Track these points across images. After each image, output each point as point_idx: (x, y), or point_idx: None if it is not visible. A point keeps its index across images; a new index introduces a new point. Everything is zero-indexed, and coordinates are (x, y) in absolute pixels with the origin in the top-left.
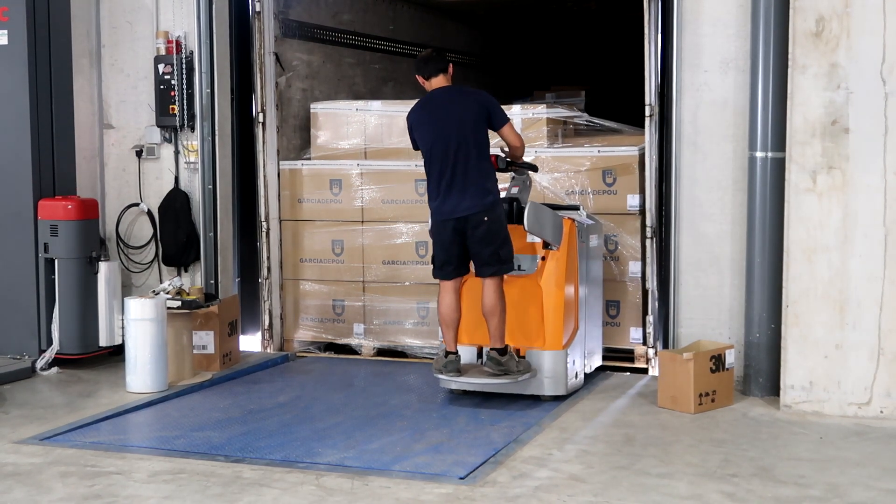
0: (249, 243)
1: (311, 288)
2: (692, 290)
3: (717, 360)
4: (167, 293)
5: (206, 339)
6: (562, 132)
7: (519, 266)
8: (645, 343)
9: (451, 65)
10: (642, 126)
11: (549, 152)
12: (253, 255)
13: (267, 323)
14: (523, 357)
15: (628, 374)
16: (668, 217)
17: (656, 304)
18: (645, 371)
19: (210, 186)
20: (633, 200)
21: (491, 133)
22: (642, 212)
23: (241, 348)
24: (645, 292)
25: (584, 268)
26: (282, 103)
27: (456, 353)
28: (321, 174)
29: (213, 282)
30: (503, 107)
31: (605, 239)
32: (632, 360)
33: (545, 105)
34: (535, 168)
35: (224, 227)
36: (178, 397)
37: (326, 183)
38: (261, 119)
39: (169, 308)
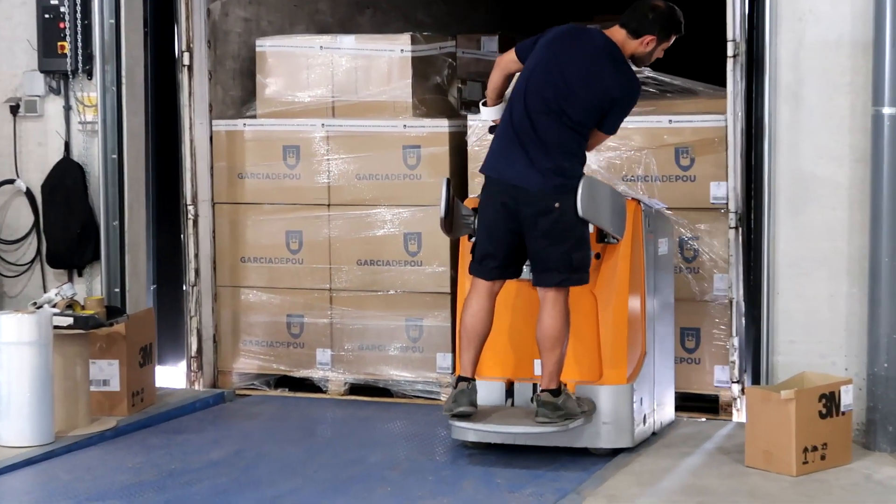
0: (170, 236)
1: (256, 298)
2: (793, 303)
3: (829, 401)
4: (54, 306)
5: (108, 372)
6: None
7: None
8: (729, 380)
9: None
10: (724, 82)
11: None
12: (175, 253)
13: (194, 348)
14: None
15: (704, 419)
16: (758, 200)
17: (743, 323)
18: (727, 418)
19: (114, 156)
20: (718, 189)
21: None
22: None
23: (159, 384)
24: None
25: (651, 272)
26: (216, 39)
27: (472, 379)
28: (271, 138)
29: (118, 290)
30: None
31: (681, 243)
32: (715, 410)
33: None
34: None
35: (134, 214)
36: (70, 453)
37: (279, 150)
38: (186, 61)
39: (56, 327)
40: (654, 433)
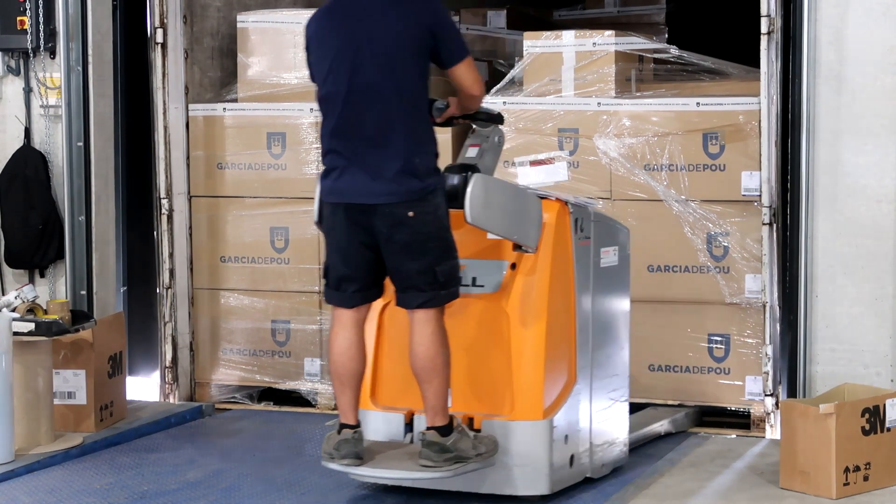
0: (142, 233)
1: (237, 302)
2: (834, 307)
3: (874, 416)
4: (13, 310)
5: (74, 383)
6: (636, 73)
7: (474, 280)
8: (762, 392)
9: None
10: (756, 62)
11: (620, 105)
12: (147, 252)
13: (169, 357)
14: (479, 431)
15: (734, 436)
16: (795, 192)
17: (778, 329)
18: (761, 434)
19: (80, 143)
20: (750, 180)
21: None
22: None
23: (130, 396)
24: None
25: (587, 287)
26: (192, 14)
27: (356, 426)
28: (254, 124)
29: (84, 292)
30: (537, 31)
31: (709, 239)
32: (747, 425)
33: (613, 32)
34: (500, 119)
35: (102, 208)
36: (31, 473)
37: (262, 138)
38: (159, 38)
39: (16, 334)
40: (587, 478)
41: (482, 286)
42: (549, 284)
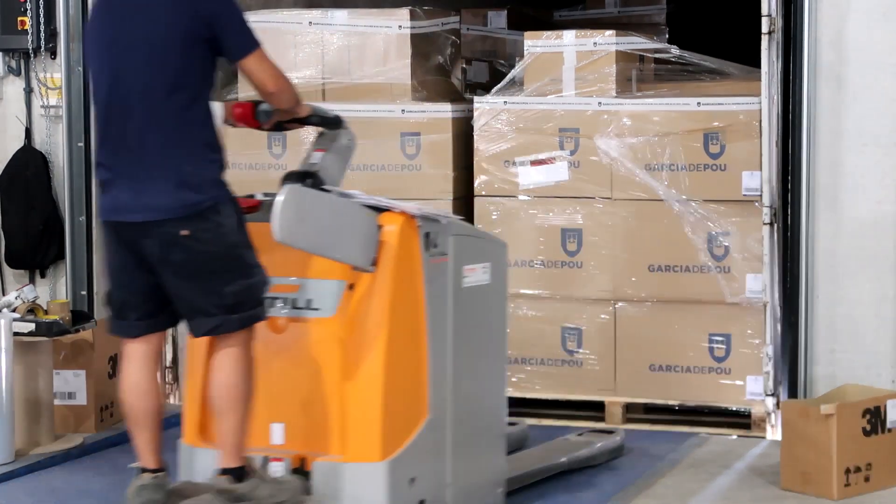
0: None
1: None
2: (834, 308)
3: (874, 417)
4: (13, 310)
5: (74, 384)
6: (637, 73)
7: (309, 303)
8: (763, 392)
9: None
10: (757, 62)
11: (621, 105)
12: None
13: (170, 357)
14: (303, 471)
15: (735, 437)
16: (796, 192)
17: (778, 329)
18: (761, 434)
19: (80, 144)
20: (751, 180)
21: None
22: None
23: None
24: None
25: (446, 309)
26: None
27: (157, 470)
28: None
29: (84, 293)
30: (537, 31)
31: (709, 238)
32: (747, 425)
33: (614, 32)
34: (336, 122)
35: None
36: (31, 474)
37: (263, 138)
38: None
39: (16, 334)
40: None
41: (318, 309)
42: (389, 307)
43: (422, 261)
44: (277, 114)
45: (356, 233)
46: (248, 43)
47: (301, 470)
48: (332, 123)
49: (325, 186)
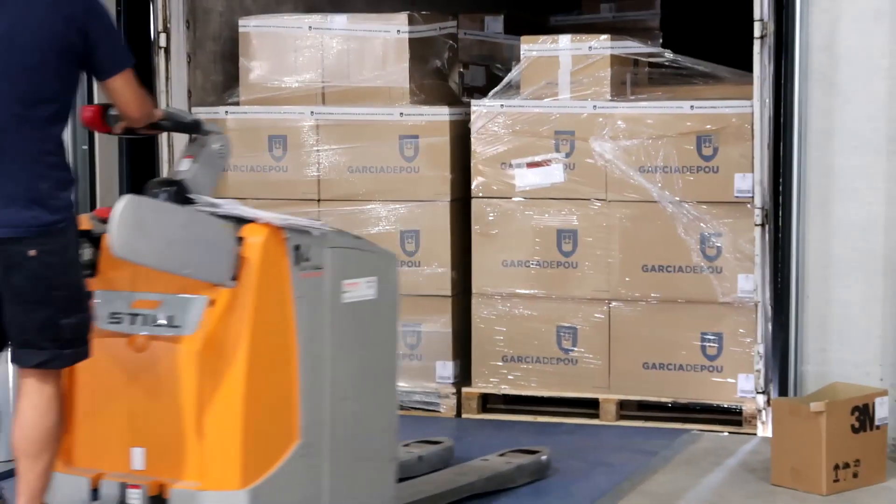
0: None
1: None
2: (824, 307)
3: (863, 414)
4: None
5: None
6: (631, 77)
7: (170, 320)
8: (754, 389)
9: None
10: (749, 65)
11: (615, 108)
12: None
13: None
14: (161, 498)
15: (726, 434)
16: (787, 194)
17: (769, 328)
18: (752, 431)
19: (85, 147)
20: (743, 182)
21: None
22: None
23: None
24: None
25: (324, 327)
26: (195, 18)
27: None
28: (256, 127)
29: None
30: (534, 36)
31: (702, 239)
32: (738, 422)
33: (609, 37)
34: (194, 127)
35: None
36: None
37: (264, 141)
38: (162, 43)
39: None
40: None
41: (179, 327)
42: (250, 324)
43: (290, 275)
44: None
45: (208, 246)
46: (120, 62)
47: (160, 498)
48: (189, 128)
49: (190, 195)
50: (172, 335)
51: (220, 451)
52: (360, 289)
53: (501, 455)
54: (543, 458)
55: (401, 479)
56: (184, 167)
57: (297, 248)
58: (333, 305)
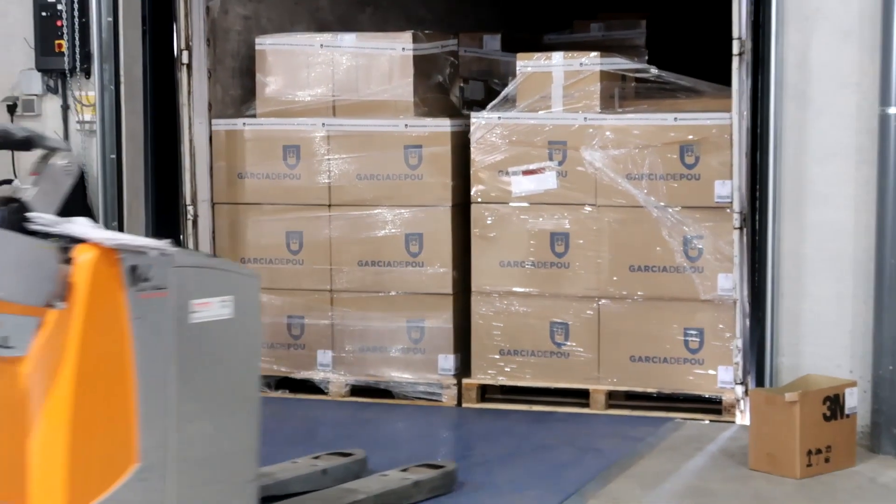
0: (169, 237)
1: None
2: (798, 304)
3: (834, 404)
4: None
5: None
6: (619, 91)
7: (5, 340)
8: (733, 381)
9: None
10: (728, 80)
11: (604, 120)
12: None
13: None
14: None
15: (707, 422)
16: (763, 199)
17: (747, 324)
18: (731, 419)
19: (113, 156)
20: (722, 188)
21: None
22: None
23: None
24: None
25: (165, 348)
26: (215, 37)
27: None
28: (271, 138)
29: None
30: (528, 53)
31: (685, 241)
32: (718, 411)
33: (598, 54)
34: (27, 144)
35: (133, 214)
36: None
37: (279, 150)
38: (185, 59)
39: None
40: None
41: (12, 347)
42: (78, 346)
43: (125, 296)
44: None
45: (24, 268)
46: None
47: None
48: (20, 145)
49: (28, 214)
50: (5, 356)
51: (47, 475)
52: (213, 308)
53: (404, 470)
54: (450, 469)
55: (287, 496)
56: (28, 184)
57: (133, 268)
58: (180, 325)
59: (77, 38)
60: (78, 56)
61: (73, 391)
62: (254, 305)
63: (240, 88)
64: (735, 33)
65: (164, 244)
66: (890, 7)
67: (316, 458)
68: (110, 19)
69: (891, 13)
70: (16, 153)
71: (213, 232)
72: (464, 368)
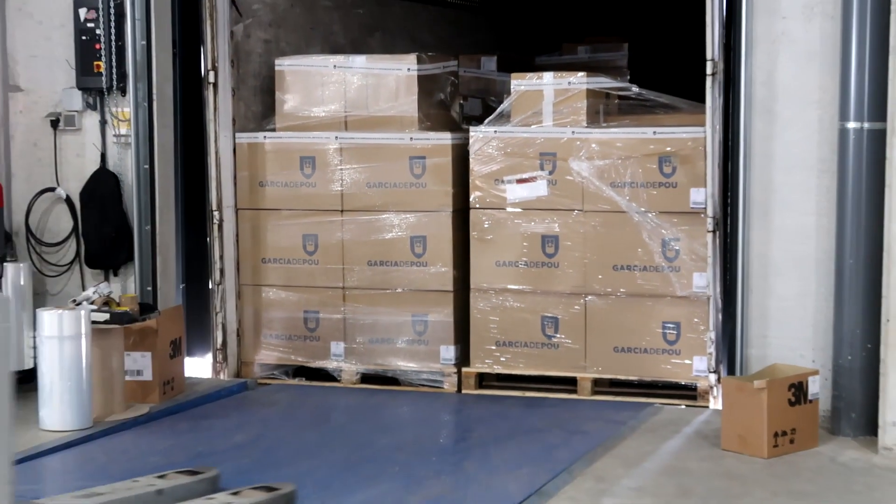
0: (197, 239)
1: (276, 296)
2: (766, 300)
3: (798, 390)
4: (91, 303)
5: (141, 363)
6: (604, 108)
7: None
8: (707, 369)
9: None
10: (703, 97)
11: (590, 134)
12: (202, 255)
13: (220, 341)
14: None
15: (683, 407)
16: (734, 206)
17: (719, 318)
18: (705, 404)
19: (146, 166)
20: (697, 195)
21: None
22: None
23: (187, 374)
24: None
25: None
26: (238, 59)
27: None
28: (289, 150)
29: (150, 288)
30: (522, 73)
31: (663, 243)
32: (694, 397)
33: (585, 74)
34: None
35: (164, 219)
36: (106, 437)
37: (296, 161)
38: (211, 79)
39: (94, 322)
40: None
41: None
42: None
43: None
44: None
45: None
46: None
47: None
48: None
49: None
50: None
51: None
52: None
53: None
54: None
55: None
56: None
57: None
58: None
59: (114, 60)
60: (114, 76)
61: None
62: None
63: (261, 105)
64: (708, 55)
65: None
66: (848, 31)
67: (160, 476)
68: (144, 42)
69: (849, 37)
70: (59, 160)
71: (237, 235)
72: (463, 358)
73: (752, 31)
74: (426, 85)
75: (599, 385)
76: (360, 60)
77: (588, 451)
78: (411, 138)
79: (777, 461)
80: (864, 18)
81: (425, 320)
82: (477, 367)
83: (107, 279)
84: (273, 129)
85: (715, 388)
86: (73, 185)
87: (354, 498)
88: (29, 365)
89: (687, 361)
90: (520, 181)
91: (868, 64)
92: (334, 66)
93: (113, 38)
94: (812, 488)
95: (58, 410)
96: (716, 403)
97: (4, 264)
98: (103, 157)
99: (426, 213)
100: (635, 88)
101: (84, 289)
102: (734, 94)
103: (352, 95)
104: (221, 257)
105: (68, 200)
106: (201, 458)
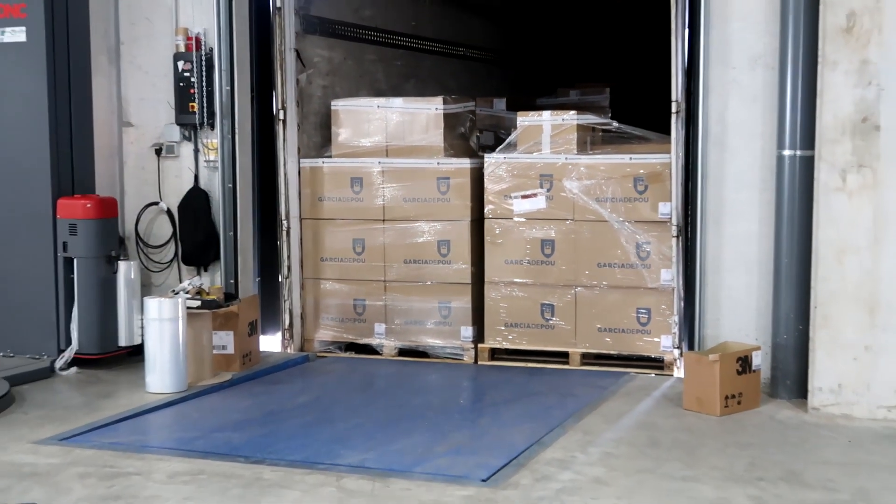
0: (269, 242)
1: (331, 287)
2: (718, 291)
3: (744, 362)
4: (187, 293)
5: (225, 340)
6: (590, 139)
7: None
8: (672, 346)
9: None
10: (669, 130)
11: (579, 159)
12: (273, 255)
13: (287, 322)
14: None
15: (653, 375)
16: (693, 216)
17: (682, 305)
18: (670, 374)
19: (230, 185)
20: (664, 208)
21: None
22: None
23: (261, 348)
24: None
25: None
26: (302, 100)
27: None
28: (342, 172)
29: (232, 281)
30: (526, 111)
31: (637, 246)
32: (661, 367)
33: (575, 112)
34: None
35: (244, 227)
36: (198, 398)
37: (347, 181)
38: (281, 116)
39: (188, 308)
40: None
41: None
42: None
43: None
44: None
45: None
46: None
47: None
48: None
49: None
50: None
51: None
52: None
53: None
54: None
55: None
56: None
57: None
58: None
59: (205, 102)
60: (205, 114)
61: None
62: None
63: (320, 137)
64: (673, 97)
65: None
66: (784, 79)
67: None
68: (228, 88)
69: (784, 84)
70: (161, 180)
71: (301, 239)
72: (479, 336)
73: (708, 79)
74: (450, 121)
75: (587, 358)
76: (398, 102)
77: (577, 410)
78: (438, 163)
79: (727, 419)
80: (797, 69)
81: (449, 306)
82: (490, 343)
83: (198, 274)
84: (329, 156)
85: (678, 361)
86: (173, 199)
87: (394, 446)
88: (138, 341)
89: (656, 339)
90: (524, 197)
91: (800, 105)
92: (378, 106)
93: (204, 84)
94: (755, 440)
95: (160, 377)
96: (679, 373)
97: (119, 262)
98: (196, 178)
99: (450, 221)
100: (615, 124)
101: (181, 282)
102: (694, 128)
103: (391, 129)
104: (289, 257)
105: (168, 212)
106: (272, 415)
